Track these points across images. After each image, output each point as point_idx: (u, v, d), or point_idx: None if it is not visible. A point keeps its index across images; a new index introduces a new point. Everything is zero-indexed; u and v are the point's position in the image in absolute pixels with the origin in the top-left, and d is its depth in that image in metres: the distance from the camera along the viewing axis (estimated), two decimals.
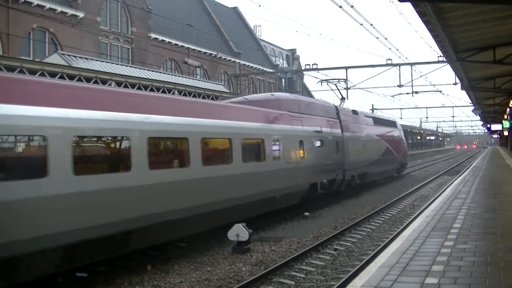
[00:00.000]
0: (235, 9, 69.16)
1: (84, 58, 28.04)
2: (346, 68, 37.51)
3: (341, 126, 24.66)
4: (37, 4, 33.10)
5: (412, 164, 60.24)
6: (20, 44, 32.37)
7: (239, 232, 13.22)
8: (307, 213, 19.71)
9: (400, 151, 37.14)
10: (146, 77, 29.41)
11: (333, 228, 17.06)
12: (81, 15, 36.21)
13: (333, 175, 22.67)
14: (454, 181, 26.23)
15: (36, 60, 28.37)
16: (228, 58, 54.15)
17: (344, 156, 24.20)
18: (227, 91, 39.40)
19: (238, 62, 53.33)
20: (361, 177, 27.10)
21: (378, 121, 33.41)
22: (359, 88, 40.45)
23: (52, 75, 21.43)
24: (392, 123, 38.09)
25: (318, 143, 21.23)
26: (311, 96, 57.00)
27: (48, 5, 33.88)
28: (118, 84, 25.40)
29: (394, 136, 36.37)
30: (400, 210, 21.25)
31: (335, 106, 26.23)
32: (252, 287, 10.41)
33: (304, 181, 19.62)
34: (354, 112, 28.56)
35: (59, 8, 34.77)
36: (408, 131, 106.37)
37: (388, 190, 29.28)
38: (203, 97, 30.91)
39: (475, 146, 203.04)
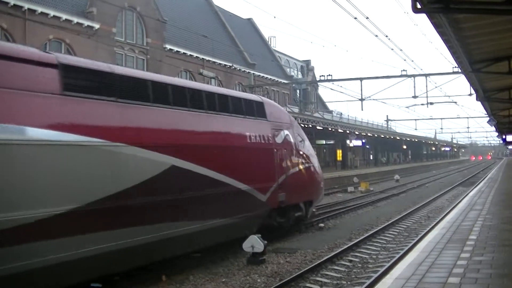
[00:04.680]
0: (250, 20, 69.51)
1: None
2: (361, 79, 37.47)
3: None
4: (54, 16, 33.50)
5: (427, 175, 60.00)
6: None
7: (254, 243, 13.20)
8: (322, 224, 19.66)
9: (273, 174, 15.75)
10: None
11: (348, 239, 16.99)
12: (96, 26, 36.59)
13: None
14: (470, 192, 26.06)
15: None
16: (243, 69, 54.35)
17: None
18: None
19: (253, 73, 53.51)
20: None
21: (157, 95, 11.53)
22: (374, 99, 40.42)
23: None
24: (248, 107, 15.28)
25: None
26: (325, 107, 56.61)
27: (64, 16, 34.28)
28: None
29: (251, 139, 15.01)
30: (415, 221, 21.11)
31: None
32: None
33: None
34: None
35: (75, 19, 35.16)
36: (423, 142, 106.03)
37: (403, 202, 29.13)
38: None
39: (490, 157, 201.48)
